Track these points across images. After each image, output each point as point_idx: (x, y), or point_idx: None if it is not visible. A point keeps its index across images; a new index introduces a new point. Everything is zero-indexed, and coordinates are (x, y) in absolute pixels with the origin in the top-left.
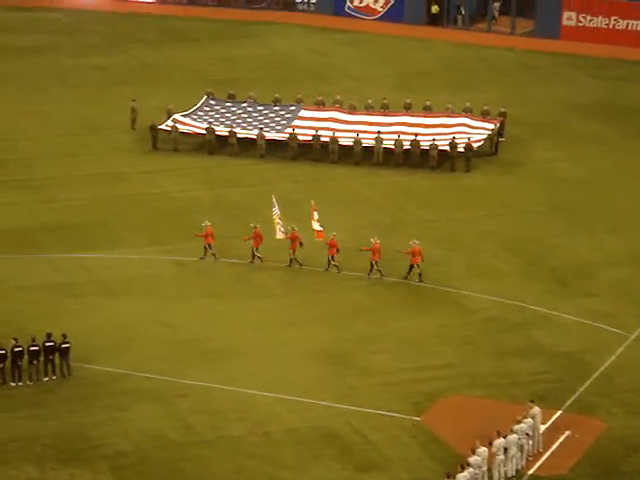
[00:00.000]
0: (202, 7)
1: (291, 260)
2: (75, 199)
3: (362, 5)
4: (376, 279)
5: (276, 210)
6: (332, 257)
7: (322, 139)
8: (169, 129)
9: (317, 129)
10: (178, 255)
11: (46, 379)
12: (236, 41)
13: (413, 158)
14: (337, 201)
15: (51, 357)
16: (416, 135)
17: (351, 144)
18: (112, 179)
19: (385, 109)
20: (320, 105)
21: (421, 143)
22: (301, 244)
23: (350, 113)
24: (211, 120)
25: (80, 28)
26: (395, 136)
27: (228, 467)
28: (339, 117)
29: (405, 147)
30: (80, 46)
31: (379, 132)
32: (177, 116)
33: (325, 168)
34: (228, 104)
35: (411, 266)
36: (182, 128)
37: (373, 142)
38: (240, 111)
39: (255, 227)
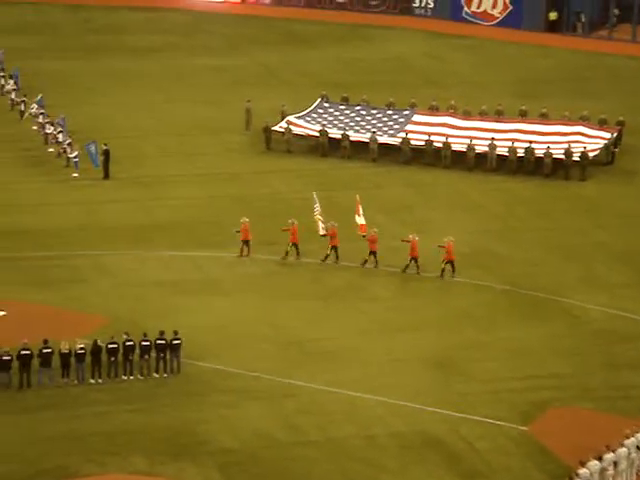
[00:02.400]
0: (320, 10)
1: (327, 256)
2: (188, 198)
3: (480, 11)
4: (483, 286)
5: (317, 207)
6: (373, 253)
7: (435, 144)
8: (283, 131)
9: (430, 134)
10: (276, 255)
11: (157, 375)
12: (352, 44)
13: (527, 165)
14: (449, 206)
15: (162, 354)
16: (530, 142)
17: (464, 150)
18: (225, 179)
19: (499, 115)
20: (434, 110)
21: (535, 151)
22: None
23: (464, 119)
24: (324, 123)
25: (199, 29)
26: (509, 143)
27: (332, 468)
28: (453, 122)
29: (519, 154)
30: (198, 47)
31: (493, 138)
32: (291, 118)
33: (437, 173)
34: (342, 107)
35: (450, 262)
36: (296, 130)
37: (486, 148)
38: (354, 114)
39: (293, 223)
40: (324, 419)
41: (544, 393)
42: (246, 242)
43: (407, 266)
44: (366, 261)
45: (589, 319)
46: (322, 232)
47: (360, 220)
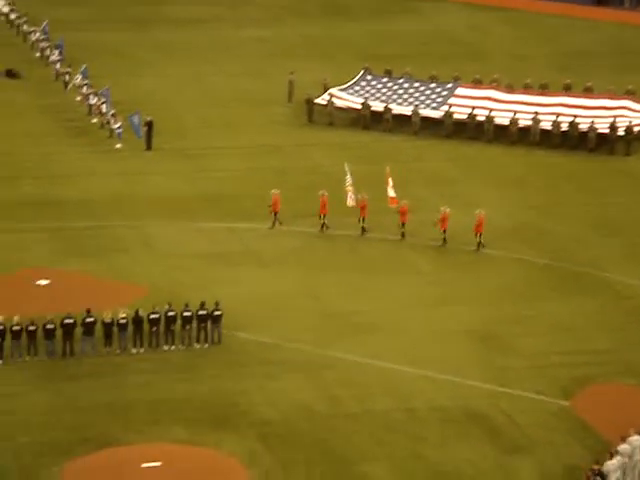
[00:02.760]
0: None
1: (363, 228)
2: (231, 170)
3: None
4: (525, 260)
5: (349, 178)
6: (403, 224)
7: (478, 118)
8: (325, 103)
9: (473, 107)
10: (320, 227)
11: (198, 346)
12: (395, 16)
13: (571, 140)
14: (491, 180)
15: (203, 325)
16: (575, 117)
17: (507, 124)
18: (267, 151)
19: (544, 89)
20: (477, 83)
21: (580, 125)
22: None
23: (507, 92)
24: (367, 95)
25: (244, 0)
26: (553, 117)
27: (371, 441)
28: (496, 96)
29: (563, 129)
30: (242, 18)
31: (536, 112)
32: (333, 90)
33: (480, 147)
34: (384, 80)
35: (477, 235)
36: (338, 102)
37: (530, 122)
38: (396, 87)
39: (323, 195)
40: (364, 391)
41: (585, 368)
42: (276, 214)
43: (444, 240)
44: (403, 233)
45: (632, 294)
46: (352, 203)
47: (391, 192)
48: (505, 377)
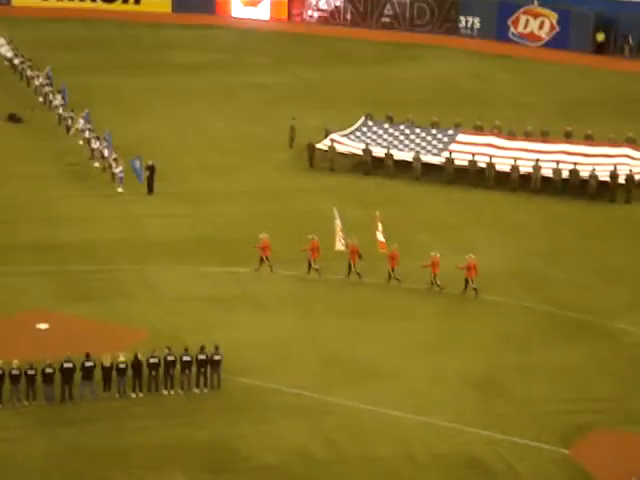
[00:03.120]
0: (365, 29)
1: (349, 272)
2: (231, 214)
3: (526, 31)
4: (526, 307)
5: (338, 222)
6: (392, 269)
7: (479, 164)
8: (326, 148)
9: (474, 154)
10: (326, 273)
11: (197, 390)
12: (397, 63)
13: (572, 187)
14: (492, 227)
15: (203, 369)
16: (575, 164)
17: (508, 170)
18: (268, 196)
19: (545, 136)
20: (478, 130)
21: (580, 172)
22: (360, 256)
23: (508, 139)
24: (368, 141)
25: (245, 46)
26: (554, 164)
27: None
28: (497, 143)
29: (564, 176)
30: (245, 64)
31: (537, 159)
32: (335, 136)
33: (481, 193)
34: (386, 126)
35: (466, 280)
36: (339, 148)
37: (531, 169)
38: (397, 133)
39: (313, 238)
40: (363, 438)
41: (586, 416)
42: (266, 258)
43: (432, 282)
44: (391, 277)
45: (634, 342)
46: (340, 247)
47: (380, 237)
48: (505, 424)
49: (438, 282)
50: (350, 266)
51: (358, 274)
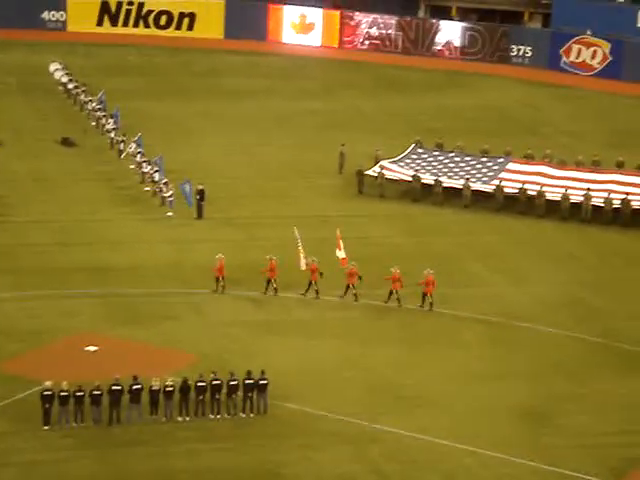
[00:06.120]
0: (416, 57)
1: (307, 290)
2: (280, 239)
3: (579, 61)
4: (576, 337)
5: (299, 242)
6: (352, 285)
7: (529, 193)
8: (376, 175)
9: (524, 182)
10: (372, 299)
11: (243, 415)
12: (448, 91)
13: (623, 217)
14: (541, 256)
15: (250, 394)
16: (627, 194)
17: (559, 199)
18: (316, 222)
19: (596, 166)
20: (529, 159)
21: (632, 202)
22: (321, 274)
23: (559, 168)
24: (418, 168)
25: (296, 73)
26: (605, 194)
27: None
28: (547, 172)
29: (615, 206)
30: (295, 90)
31: (588, 189)
32: (384, 162)
33: (531, 222)
34: (436, 153)
35: (424, 295)
36: (389, 174)
37: (582, 198)
38: (447, 160)
39: (271, 259)
40: (409, 466)
41: (637, 450)
42: (222, 278)
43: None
44: (349, 293)
45: None
46: (303, 267)
47: (340, 254)
48: (552, 455)
49: (398, 298)
50: (310, 284)
51: (309, 290)
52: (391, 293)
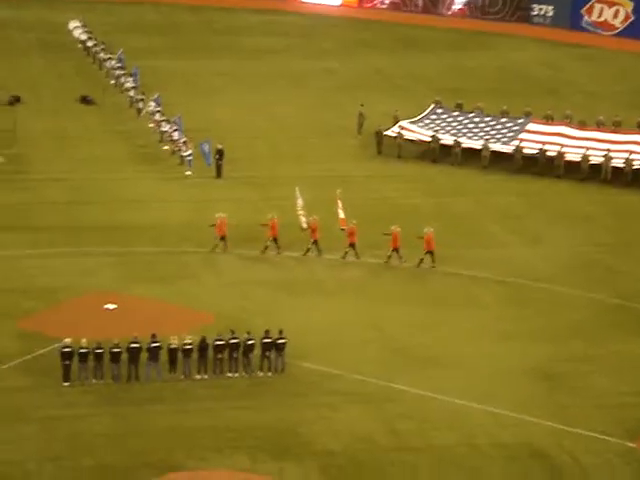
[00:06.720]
0: (436, 16)
1: (308, 249)
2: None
3: (600, 20)
4: (594, 298)
5: (300, 202)
6: (352, 245)
7: (548, 153)
8: (395, 135)
9: (544, 143)
10: (392, 261)
11: (261, 374)
12: (468, 51)
13: None
14: (559, 217)
15: (267, 353)
16: None
17: (578, 160)
18: (335, 182)
19: (617, 127)
20: (549, 119)
21: None
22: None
23: (579, 129)
24: (437, 129)
25: (315, 32)
26: (625, 155)
27: (434, 476)
28: (567, 132)
29: (635, 166)
30: (314, 50)
31: (608, 149)
32: (404, 123)
33: (549, 183)
34: (455, 113)
35: (429, 252)
36: (408, 135)
37: (602, 159)
38: (467, 121)
39: (273, 217)
40: (426, 425)
41: None
42: (222, 238)
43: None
44: (346, 253)
45: None
46: (304, 226)
47: (341, 214)
48: (570, 416)
49: (400, 255)
50: (314, 243)
51: (308, 249)
52: (394, 251)
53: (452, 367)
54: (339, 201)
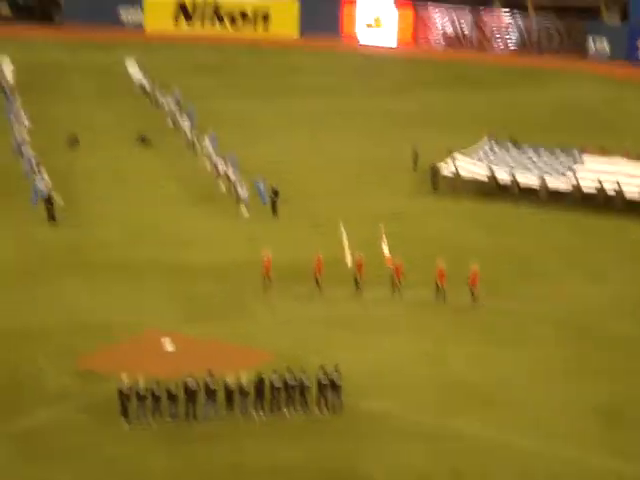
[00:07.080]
0: (492, 54)
1: (357, 286)
2: (355, 236)
3: None
4: None
5: (344, 238)
6: (399, 280)
7: (607, 189)
8: (451, 175)
9: (601, 178)
10: (450, 297)
11: (318, 412)
12: (523, 88)
13: None
14: (619, 254)
15: (324, 392)
16: None
17: (637, 196)
18: (390, 218)
19: None
20: (605, 153)
21: None
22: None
23: (637, 162)
24: (492, 164)
25: (371, 71)
26: None
27: None
28: (625, 167)
29: None
30: (370, 89)
31: None
32: (457, 154)
33: (609, 218)
34: (510, 149)
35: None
36: (463, 173)
37: None
38: (522, 157)
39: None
40: (488, 466)
41: None
42: (267, 275)
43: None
44: (396, 289)
45: None
46: (350, 263)
47: (385, 250)
48: (633, 455)
49: (444, 291)
50: (356, 280)
51: (356, 284)
52: (439, 287)
53: (511, 405)
54: (383, 236)
